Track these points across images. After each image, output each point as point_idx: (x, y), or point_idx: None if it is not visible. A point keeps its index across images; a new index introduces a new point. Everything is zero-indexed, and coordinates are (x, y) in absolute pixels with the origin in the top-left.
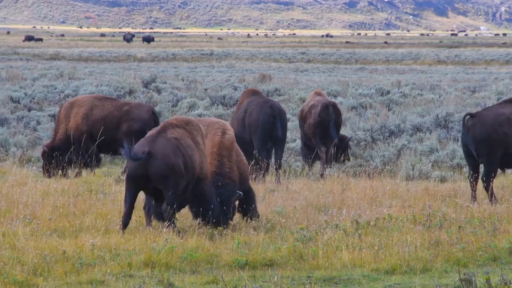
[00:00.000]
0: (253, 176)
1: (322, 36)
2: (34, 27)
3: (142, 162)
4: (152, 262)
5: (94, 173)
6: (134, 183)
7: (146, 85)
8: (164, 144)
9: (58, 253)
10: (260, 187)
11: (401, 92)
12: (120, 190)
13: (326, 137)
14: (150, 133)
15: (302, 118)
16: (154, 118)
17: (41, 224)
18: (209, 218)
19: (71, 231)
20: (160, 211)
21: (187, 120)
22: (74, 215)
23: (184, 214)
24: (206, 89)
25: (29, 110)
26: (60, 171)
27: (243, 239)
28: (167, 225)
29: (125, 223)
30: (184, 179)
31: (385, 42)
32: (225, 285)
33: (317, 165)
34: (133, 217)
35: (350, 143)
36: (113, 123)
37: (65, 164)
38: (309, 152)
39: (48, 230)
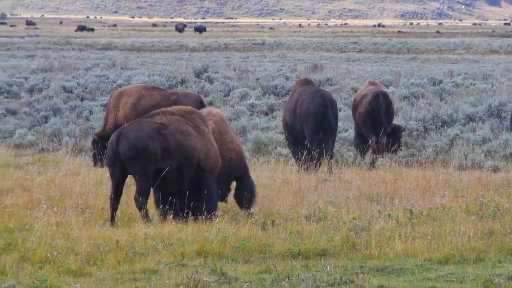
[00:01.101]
0: (305, 166)
1: (374, 25)
2: (87, 17)
3: (113, 143)
4: (205, 251)
5: None
6: (111, 165)
7: (198, 75)
8: (140, 126)
9: (111, 243)
10: (312, 177)
11: (453, 81)
12: None
13: (376, 126)
14: None
15: (354, 107)
16: (202, 107)
17: (94, 214)
18: (199, 212)
19: (124, 220)
20: (177, 208)
21: (190, 110)
22: (127, 204)
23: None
24: (257, 79)
25: (82, 99)
26: None
27: (295, 228)
28: (141, 215)
29: (113, 208)
30: (157, 164)
31: (437, 32)
32: (278, 274)
33: (370, 154)
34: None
35: (403, 133)
36: None
37: None
38: (362, 142)
39: (101, 220)
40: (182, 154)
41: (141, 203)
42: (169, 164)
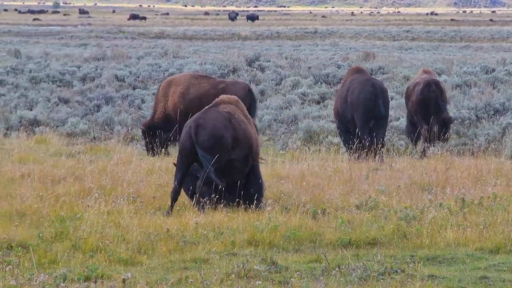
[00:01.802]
0: (356, 155)
1: (427, 14)
2: (140, 5)
3: (191, 132)
4: (256, 240)
5: None
6: (188, 155)
7: (250, 63)
8: (215, 116)
9: (162, 231)
10: (363, 166)
11: (506, 70)
12: None
13: (428, 115)
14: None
15: (407, 96)
16: (250, 96)
17: (145, 202)
18: (258, 203)
19: (175, 209)
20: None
21: (237, 99)
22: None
23: (287, 193)
24: (309, 68)
25: (134, 88)
26: (163, 149)
27: (346, 217)
28: (195, 203)
29: (174, 199)
30: (229, 154)
31: (491, 20)
32: (328, 263)
33: (421, 143)
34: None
35: (453, 123)
36: (209, 101)
37: (168, 143)
38: (414, 130)
39: (152, 208)
40: (247, 143)
41: (204, 190)
42: (238, 153)
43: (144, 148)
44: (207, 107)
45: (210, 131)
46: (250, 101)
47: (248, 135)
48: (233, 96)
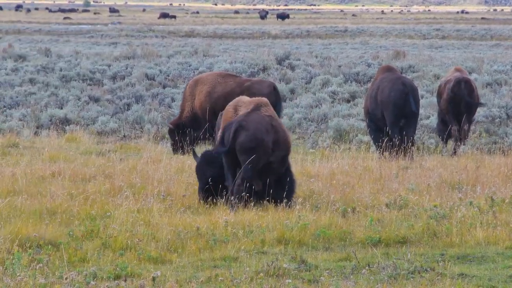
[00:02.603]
0: (386, 153)
1: (457, 12)
2: (171, 4)
3: (233, 133)
4: (285, 239)
5: None
6: (230, 156)
7: (279, 62)
8: (258, 119)
9: (192, 230)
10: (393, 164)
11: None
12: None
13: (458, 113)
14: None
15: (439, 94)
16: (275, 94)
17: (175, 201)
18: (288, 201)
19: (205, 208)
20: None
21: (267, 101)
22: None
23: (317, 191)
24: (339, 66)
25: (164, 87)
26: (190, 148)
27: (376, 216)
28: (233, 200)
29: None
30: (268, 156)
31: None
32: (358, 262)
33: (452, 142)
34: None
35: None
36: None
37: (199, 141)
38: (445, 129)
39: (182, 207)
40: (286, 145)
41: (240, 190)
42: (277, 155)
43: (172, 148)
44: (249, 110)
45: (252, 134)
46: (275, 100)
47: (287, 137)
48: (264, 99)
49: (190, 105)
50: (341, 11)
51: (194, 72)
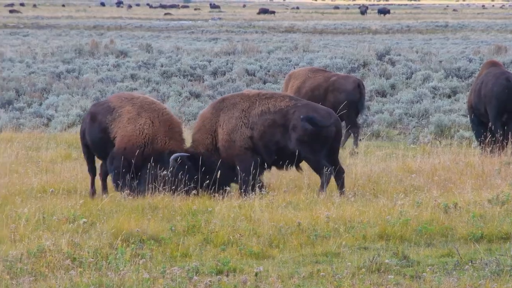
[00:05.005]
0: (489, 149)
1: None
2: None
3: (334, 124)
4: (387, 234)
5: None
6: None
7: (380, 57)
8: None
9: (293, 225)
10: (495, 160)
11: None
12: (354, 163)
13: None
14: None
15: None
16: (359, 90)
17: (277, 197)
18: None
19: (306, 203)
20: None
21: None
22: (308, 187)
23: (418, 187)
24: (440, 61)
25: (264, 82)
26: None
27: (478, 212)
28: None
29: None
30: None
31: None
32: (461, 258)
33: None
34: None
35: None
36: (320, 94)
37: None
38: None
39: (284, 202)
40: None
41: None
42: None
43: None
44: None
45: (339, 124)
46: (359, 96)
47: None
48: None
49: None
50: (447, 6)
51: (294, 67)
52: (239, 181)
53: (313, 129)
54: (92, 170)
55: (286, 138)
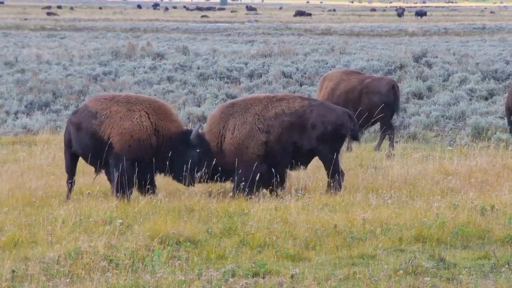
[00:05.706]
0: None
1: None
2: (308, 1)
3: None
4: (423, 236)
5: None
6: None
7: (416, 59)
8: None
9: (329, 227)
10: None
11: None
12: (390, 165)
13: None
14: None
15: None
16: (394, 92)
17: (313, 199)
18: None
19: (342, 205)
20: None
21: None
22: (345, 189)
23: (455, 189)
24: (477, 63)
25: (301, 85)
26: None
27: None
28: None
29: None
30: None
31: None
32: (497, 260)
33: None
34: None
35: None
36: (354, 96)
37: None
38: None
39: (320, 204)
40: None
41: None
42: None
43: None
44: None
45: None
46: (394, 97)
47: None
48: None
49: None
50: (485, 8)
51: (330, 70)
52: (234, 184)
53: (334, 128)
54: (71, 180)
55: (304, 138)
